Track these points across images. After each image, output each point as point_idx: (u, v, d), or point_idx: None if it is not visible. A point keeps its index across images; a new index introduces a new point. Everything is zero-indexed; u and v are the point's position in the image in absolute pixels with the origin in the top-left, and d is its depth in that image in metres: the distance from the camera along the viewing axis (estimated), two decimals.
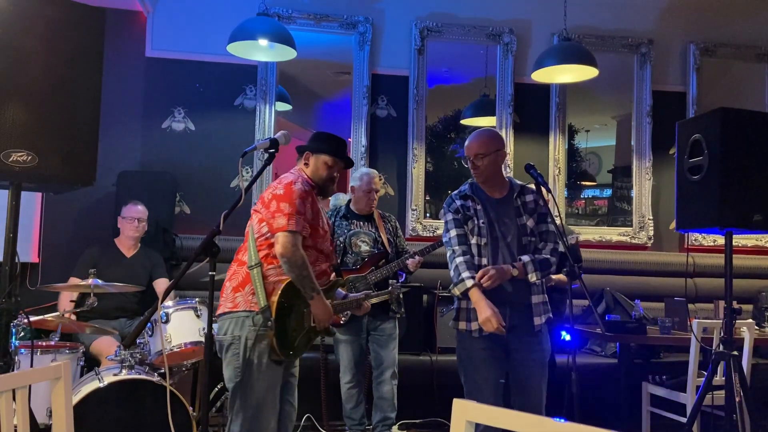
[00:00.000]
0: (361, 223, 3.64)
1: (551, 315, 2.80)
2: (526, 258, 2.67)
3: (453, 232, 2.74)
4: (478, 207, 2.74)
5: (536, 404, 2.66)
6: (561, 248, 2.88)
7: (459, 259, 2.68)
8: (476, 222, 2.72)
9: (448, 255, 2.77)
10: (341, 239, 3.57)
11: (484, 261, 2.69)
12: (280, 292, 2.37)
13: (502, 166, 2.82)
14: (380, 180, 3.74)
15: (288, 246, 2.33)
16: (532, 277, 2.66)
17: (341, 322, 3.55)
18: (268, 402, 2.36)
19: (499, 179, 2.78)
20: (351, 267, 3.57)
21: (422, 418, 4.14)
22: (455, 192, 2.85)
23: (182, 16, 4.71)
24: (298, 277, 2.38)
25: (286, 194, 2.43)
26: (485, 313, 2.54)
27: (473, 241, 2.71)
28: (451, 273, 2.72)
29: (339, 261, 3.59)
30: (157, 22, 4.69)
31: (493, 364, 2.65)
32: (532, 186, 2.82)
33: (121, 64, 4.54)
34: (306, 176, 2.59)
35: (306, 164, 2.61)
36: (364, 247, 3.59)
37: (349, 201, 3.72)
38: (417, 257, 3.65)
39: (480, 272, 2.60)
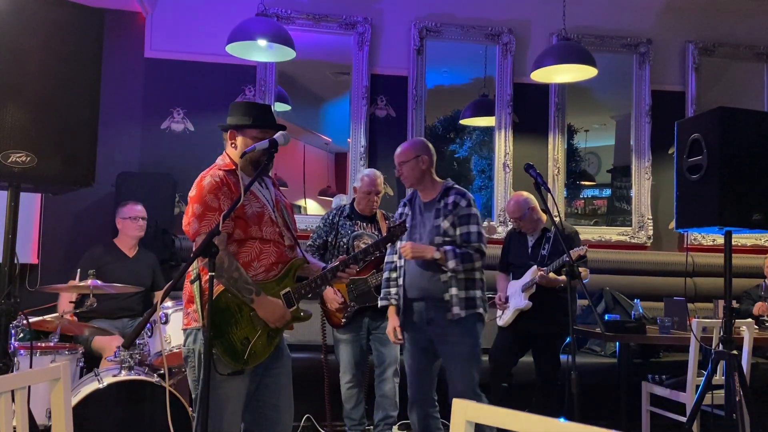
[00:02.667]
0: (365, 224, 3.64)
1: (480, 311, 2.96)
2: (447, 247, 2.90)
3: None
4: (408, 212, 3.07)
5: (460, 392, 2.89)
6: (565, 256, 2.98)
7: (385, 274, 3.17)
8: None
9: None
10: (345, 240, 3.58)
11: (401, 263, 3.05)
12: (207, 307, 2.08)
13: (430, 170, 3.07)
14: (382, 181, 3.74)
15: None
16: (451, 264, 2.88)
17: (342, 322, 3.55)
18: (227, 414, 2.24)
19: (428, 183, 3.05)
20: None
21: None
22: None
23: (181, 16, 4.71)
24: (228, 281, 2.18)
25: (197, 194, 2.25)
26: (388, 327, 3.11)
27: (399, 245, 3.02)
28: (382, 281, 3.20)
29: None
30: (156, 22, 4.69)
31: (414, 354, 3.06)
32: (459, 187, 3.03)
33: (120, 65, 4.54)
34: (228, 161, 2.35)
35: (233, 145, 2.38)
36: None
37: (353, 200, 3.72)
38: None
39: (404, 244, 2.94)
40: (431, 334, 2.99)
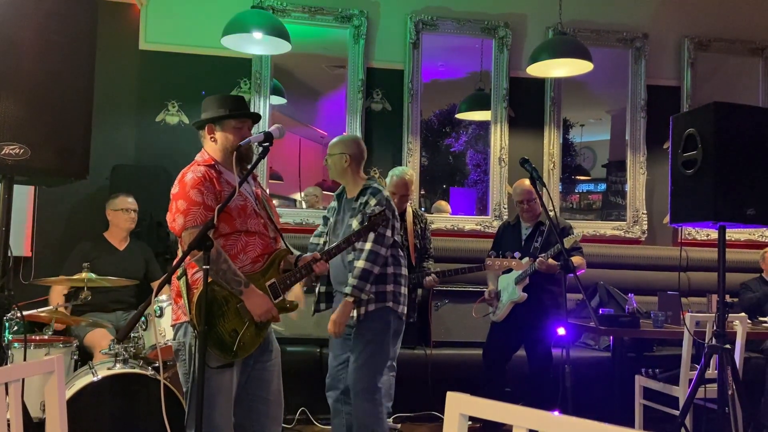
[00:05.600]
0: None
1: (388, 304, 2.90)
2: (351, 288, 2.81)
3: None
4: (336, 206, 3.09)
5: (350, 384, 2.96)
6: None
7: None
8: (330, 221, 3.09)
9: None
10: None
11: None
12: (195, 301, 2.14)
13: (354, 169, 3.01)
14: (412, 181, 3.81)
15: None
16: (351, 291, 2.82)
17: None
18: (219, 407, 2.24)
19: (350, 180, 3.02)
20: None
21: (416, 412, 4.15)
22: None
23: (176, 8, 4.68)
24: (217, 273, 2.17)
25: (180, 190, 2.27)
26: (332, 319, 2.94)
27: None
28: None
29: None
30: (150, 14, 4.66)
31: (336, 343, 3.08)
32: (376, 187, 2.95)
33: (114, 57, 4.51)
34: (207, 157, 2.35)
35: (213, 139, 2.36)
36: None
37: None
38: (434, 277, 3.82)
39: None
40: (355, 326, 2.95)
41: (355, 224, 2.84)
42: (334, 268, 2.99)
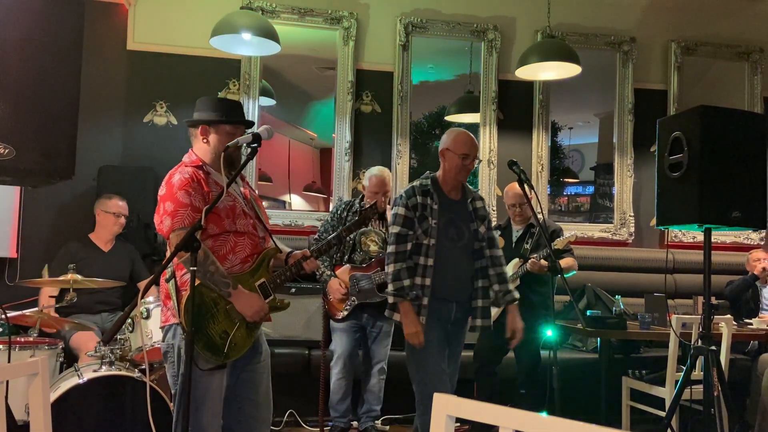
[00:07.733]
0: (373, 221, 3.65)
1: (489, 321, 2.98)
2: (516, 295, 3.02)
3: (400, 230, 2.77)
4: (435, 206, 2.79)
5: (453, 383, 2.93)
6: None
7: (397, 266, 2.74)
8: (430, 222, 2.76)
9: (389, 249, 2.78)
10: (352, 235, 3.55)
11: (430, 262, 2.74)
12: (184, 303, 2.12)
13: None
14: (391, 179, 3.80)
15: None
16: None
17: (340, 315, 3.61)
18: (207, 408, 2.22)
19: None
20: (358, 264, 3.62)
21: (405, 413, 4.15)
22: (417, 184, 2.86)
23: (164, 8, 4.66)
24: (204, 275, 2.15)
25: (167, 192, 2.26)
26: (413, 327, 2.70)
27: (424, 241, 2.75)
28: (391, 273, 2.75)
29: (347, 257, 3.69)
30: (139, 14, 4.63)
31: (442, 351, 2.82)
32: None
33: (101, 57, 4.48)
34: (195, 158, 2.34)
35: (205, 141, 2.35)
36: (373, 247, 3.63)
37: (362, 196, 3.79)
38: None
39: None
40: (450, 330, 2.90)
41: (483, 230, 2.91)
42: (457, 281, 2.82)
